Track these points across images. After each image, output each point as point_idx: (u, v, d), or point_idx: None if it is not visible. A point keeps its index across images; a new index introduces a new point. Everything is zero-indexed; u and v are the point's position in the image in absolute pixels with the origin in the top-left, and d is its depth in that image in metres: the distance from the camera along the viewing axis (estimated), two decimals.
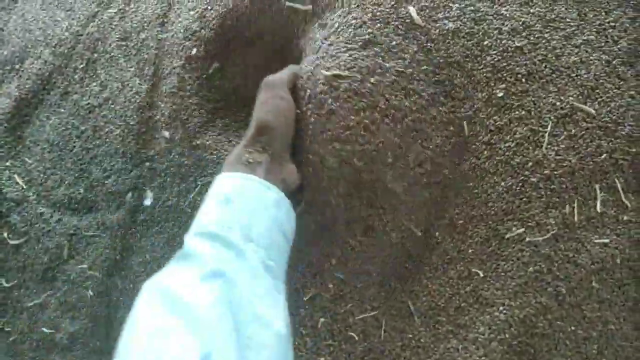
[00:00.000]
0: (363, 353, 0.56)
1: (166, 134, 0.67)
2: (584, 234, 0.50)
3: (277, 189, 0.47)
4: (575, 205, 0.51)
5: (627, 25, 0.54)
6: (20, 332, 0.72)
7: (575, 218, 0.51)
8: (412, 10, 0.58)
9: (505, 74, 0.54)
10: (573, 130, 0.52)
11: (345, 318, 0.57)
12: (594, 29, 0.55)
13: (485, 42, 0.55)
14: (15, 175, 0.78)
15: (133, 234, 0.69)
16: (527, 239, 0.51)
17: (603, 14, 0.55)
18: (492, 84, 0.54)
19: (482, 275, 0.53)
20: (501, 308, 0.51)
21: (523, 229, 0.52)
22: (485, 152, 0.54)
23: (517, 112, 0.53)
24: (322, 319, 0.57)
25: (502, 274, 0.52)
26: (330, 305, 0.57)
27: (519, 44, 0.55)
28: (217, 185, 0.46)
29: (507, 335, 0.51)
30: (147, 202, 0.68)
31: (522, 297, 0.51)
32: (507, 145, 0.53)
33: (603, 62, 0.53)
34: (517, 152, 0.52)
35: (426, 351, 0.54)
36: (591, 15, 0.56)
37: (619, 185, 0.51)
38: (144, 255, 0.67)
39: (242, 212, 0.44)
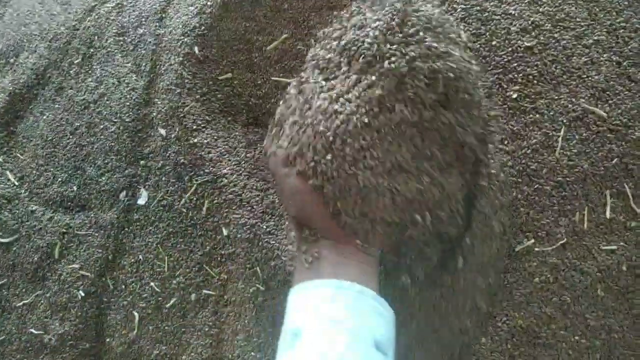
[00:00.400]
0: None
1: (162, 131, 0.64)
2: (592, 240, 0.49)
3: (348, 283, 0.38)
4: (586, 212, 0.49)
5: (638, 26, 0.53)
6: (8, 332, 0.70)
7: (585, 226, 0.49)
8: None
9: (516, 75, 0.52)
10: (585, 134, 0.50)
11: None
12: (605, 29, 0.53)
13: (494, 43, 0.54)
14: (7, 172, 0.76)
15: (126, 234, 0.66)
16: (536, 249, 0.50)
17: (614, 14, 0.54)
18: (505, 86, 0.53)
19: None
20: (504, 319, 0.49)
21: (533, 240, 0.50)
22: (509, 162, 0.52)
23: (531, 116, 0.51)
24: None
25: (507, 285, 0.50)
26: None
27: (528, 44, 0.53)
28: (288, 311, 0.40)
29: (508, 346, 0.49)
30: (141, 201, 0.66)
31: (527, 308, 0.49)
32: (523, 151, 0.51)
33: (614, 63, 0.52)
34: (533, 159, 0.50)
35: None
36: (601, 15, 0.54)
37: (628, 191, 0.49)
38: (137, 255, 0.65)
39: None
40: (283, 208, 0.46)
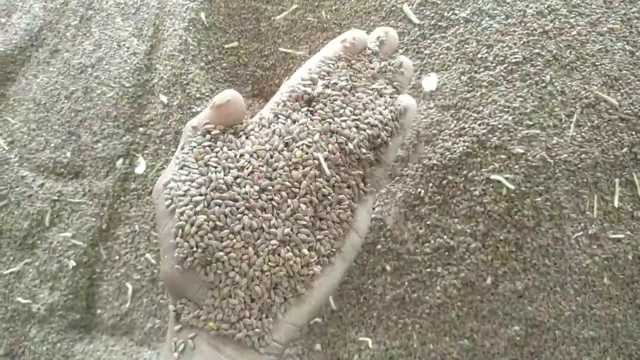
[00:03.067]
0: None
1: (164, 98, 0.61)
2: (599, 228, 0.48)
3: None
4: (595, 199, 0.48)
5: None
6: None
7: (595, 213, 0.48)
8: (406, 8, 0.54)
9: (532, 55, 0.50)
10: (596, 121, 0.49)
11: None
12: (619, 18, 0.52)
13: (509, 20, 0.52)
14: None
15: (122, 203, 0.63)
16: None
17: (628, 3, 0.53)
18: (521, 66, 0.51)
19: (489, 282, 0.49)
20: (506, 307, 0.48)
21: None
22: None
23: (546, 99, 0.50)
24: None
25: (510, 273, 0.49)
26: None
27: (544, 28, 0.51)
28: None
29: (509, 332, 0.48)
30: (139, 170, 0.62)
31: (532, 295, 0.48)
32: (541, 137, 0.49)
33: (627, 52, 0.51)
34: (548, 144, 0.49)
35: (426, 345, 0.51)
36: (616, 4, 0.53)
37: (636, 180, 0.48)
38: (132, 225, 0.62)
39: None
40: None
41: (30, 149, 0.69)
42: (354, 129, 0.36)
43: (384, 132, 0.37)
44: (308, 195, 0.35)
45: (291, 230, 0.34)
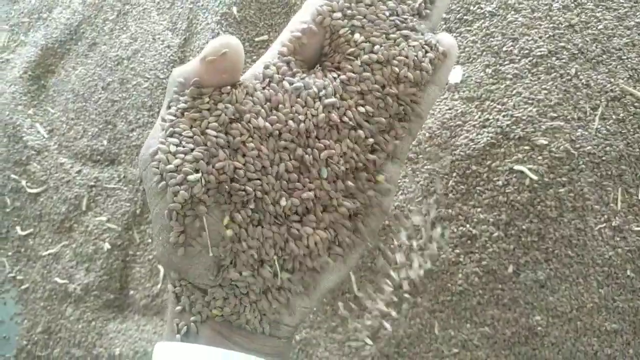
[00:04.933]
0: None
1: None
2: (623, 220, 0.47)
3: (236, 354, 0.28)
4: (619, 192, 0.47)
5: None
6: (33, 281, 0.69)
7: (619, 206, 0.47)
8: None
9: (557, 49, 0.50)
10: (622, 114, 0.48)
11: None
12: None
13: (535, 14, 0.52)
14: (37, 124, 0.74)
15: None
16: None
17: None
18: (547, 60, 0.51)
19: (511, 270, 0.49)
20: (528, 296, 0.48)
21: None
22: None
23: (571, 92, 0.49)
24: None
25: (531, 263, 0.49)
26: None
27: (570, 22, 0.51)
28: None
29: (530, 322, 0.48)
30: None
31: (554, 286, 0.48)
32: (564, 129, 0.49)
33: None
34: (572, 136, 0.49)
35: (447, 331, 0.51)
36: None
37: None
38: None
39: None
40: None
41: (68, 137, 0.72)
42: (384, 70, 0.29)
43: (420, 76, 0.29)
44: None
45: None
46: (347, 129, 0.29)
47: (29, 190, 0.71)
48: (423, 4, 0.30)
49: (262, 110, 0.27)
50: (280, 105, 0.28)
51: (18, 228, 0.71)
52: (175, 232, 0.26)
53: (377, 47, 0.29)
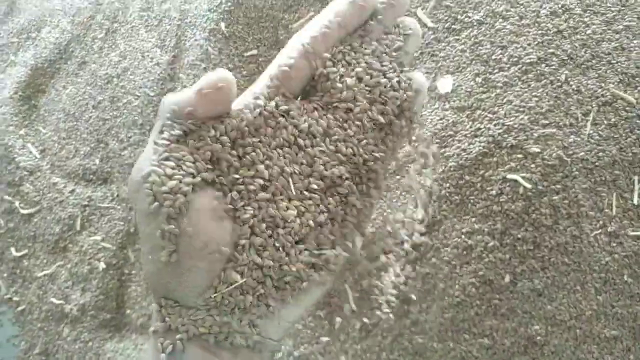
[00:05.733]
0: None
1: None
2: (619, 225, 0.47)
3: None
4: (614, 197, 0.47)
5: None
6: (29, 302, 0.68)
7: (614, 211, 0.47)
8: (420, 12, 0.54)
9: (547, 55, 0.50)
10: (613, 119, 0.48)
11: None
12: (635, 15, 0.51)
13: (523, 21, 0.51)
14: (29, 144, 0.73)
15: None
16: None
17: None
18: (536, 67, 0.50)
19: (507, 280, 0.49)
20: (525, 305, 0.48)
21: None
22: None
23: (562, 98, 0.49)
24: None
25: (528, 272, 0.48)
26: None
27: (559, 28, 0.51)
28: None
29: (529, 331, 0.47)
30: None
31: (552, 294, 0.47)
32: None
33: None
34: (564, 143, 0.48)
35: (447, 343, 0.51)
36: (632, 1, 0.52)
37: None
38: None
39: None
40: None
41: (60, 157, 0.71)
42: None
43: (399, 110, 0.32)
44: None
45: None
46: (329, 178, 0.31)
47: (22, 211, 0.71)
48: (400, 51, 0.33)
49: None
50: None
51: (12, 249, 0.71)
52: (167, 251, 0.28)
53: (359, 96, 0.32)
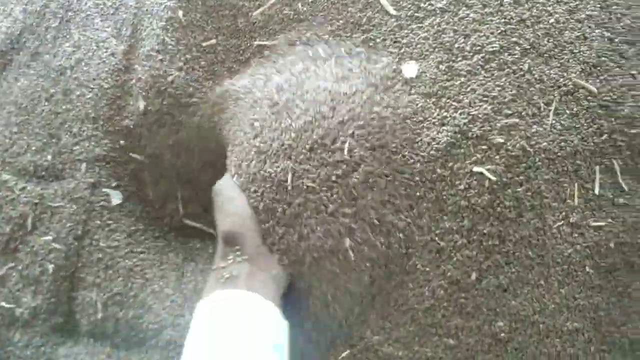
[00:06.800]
0: None
1: (141, 105, 0.59)
2: (581, 216, 0.46)
3: (259, 297, 0.41)
4: (576, 187, 0.46)
5: (630, 2, 0.50)
6: None
7: (575, 202, 0.46)
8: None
9: (510, 44, 0.48)
10: (575, 109, 0.47)
11: None
12: (598, 5, 0.50)
13: (486, 10, 0.50)
14: None
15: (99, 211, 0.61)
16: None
17: None
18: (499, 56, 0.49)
19: (474, 277, 0.47)
20: (490, 302, 0.46)
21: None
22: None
23: (525, 87, 0.48)
24: None
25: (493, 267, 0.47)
26: None
27: (522, 16, 0.49)
28: (196, 315, 0.42)
29: (493, 328, 0.46)
30: (116, 200, 0.60)
31: (516, 290, 0.46)
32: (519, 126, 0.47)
33: (605, 39, 0.49)
34: (527, 133, 0.47)
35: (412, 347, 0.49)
36: None
37: (617, 167, 0.46)
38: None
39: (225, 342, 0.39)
40: (218, 228, 0.46)
41: (12, 153, 0.67)
42: None
43: None
44: None
45: None
46: None
47: None
48: None
49: None
50: None
51: None
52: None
53: None
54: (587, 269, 0.45)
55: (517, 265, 0.46)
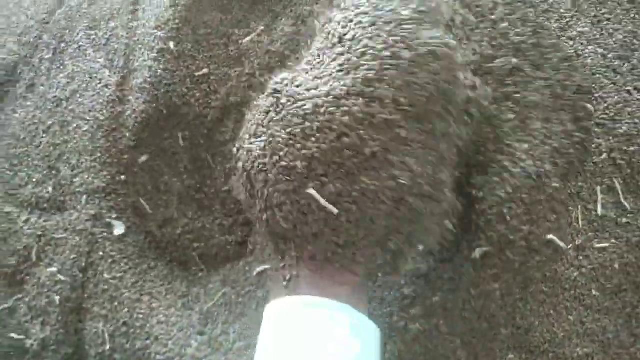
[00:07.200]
0: None
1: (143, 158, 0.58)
2: (585, 238, 0.45)
3: (328, 303, 0.34)
4: (579, 210, 0.45)
5: (622, 17, 0.49)
6: None
7: (580, 224, 0.45)
8: None
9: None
10: None
11: None
12: (589, 21, 0.49)
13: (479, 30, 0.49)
14: None
15: (104, 241, 0.61)
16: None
17: (597, 4, 0.50)
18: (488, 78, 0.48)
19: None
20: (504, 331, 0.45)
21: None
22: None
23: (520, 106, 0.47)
24: None
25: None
26: None
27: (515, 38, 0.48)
28: (264, 327, 0.36)
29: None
30: (118, 231, 0.59)
31: (529, 325, 0.45)
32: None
33: (599, 55, 0.48)
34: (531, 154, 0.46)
35: None
36: (585, 6, 0.50)
37: (618, 187, 0.45)
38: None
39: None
40: (259, 223, 0.38)
41: (13, 185, 0.67)
42: None
43: None
44: None
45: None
46: None
47: None
48: None
49: None
50: None
51: None
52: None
53: None
54: (594, 292, 0.44)
55: (532, 301, 0.45)
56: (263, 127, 0.35)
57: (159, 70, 0.56)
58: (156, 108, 0.57)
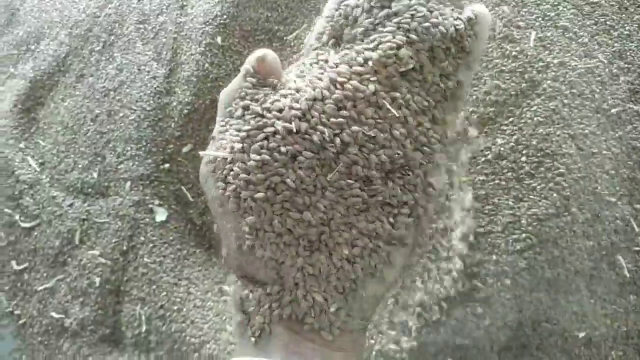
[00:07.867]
0: None
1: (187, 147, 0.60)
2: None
3: None
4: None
5: None
6: (30, 315, 0.67)
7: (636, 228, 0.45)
8: None
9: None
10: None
11: None
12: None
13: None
14: (29, 157, 0.72)
15: (144, 227, 0.63)
16: None
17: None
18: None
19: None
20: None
21: None
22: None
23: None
24: None
25: None
26: None
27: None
28: None
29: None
30: (160, 217, 0.61)
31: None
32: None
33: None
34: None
35: None
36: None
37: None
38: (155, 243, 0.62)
39: None
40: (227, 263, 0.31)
41: (60, 170, 0.69)
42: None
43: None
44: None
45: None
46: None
47: (23, 225, 0.69)
48: None
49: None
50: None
51: (13, 262, 0.69)
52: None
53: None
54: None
55: None
56: None
57: (206, 64, 0.58)
58: (201, 100, 0.59)
